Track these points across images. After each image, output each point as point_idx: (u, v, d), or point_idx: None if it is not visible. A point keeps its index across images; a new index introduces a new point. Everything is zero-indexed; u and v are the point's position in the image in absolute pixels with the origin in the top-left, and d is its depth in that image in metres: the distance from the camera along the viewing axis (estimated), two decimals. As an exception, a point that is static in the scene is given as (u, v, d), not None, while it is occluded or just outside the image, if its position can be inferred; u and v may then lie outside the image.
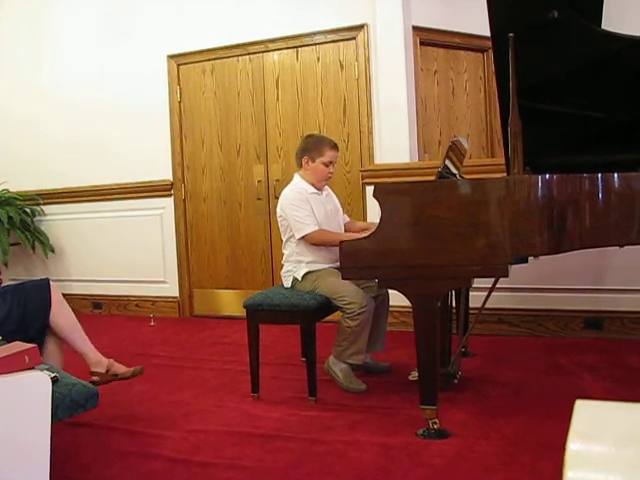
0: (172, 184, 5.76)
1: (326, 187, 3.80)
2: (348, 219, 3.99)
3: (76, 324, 3.28)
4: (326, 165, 3.66)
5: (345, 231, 3.79)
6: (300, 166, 3.72)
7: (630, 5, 4.25)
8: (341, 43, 5.08)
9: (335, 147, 3.71)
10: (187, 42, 5.59)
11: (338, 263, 3.00)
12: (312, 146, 3.68)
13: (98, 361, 3.39)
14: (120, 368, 3.50)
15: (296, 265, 3.61)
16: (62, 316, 3.20)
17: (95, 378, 3.16)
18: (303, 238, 3.54)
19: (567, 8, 2.70)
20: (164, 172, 5.77)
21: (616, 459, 0.81)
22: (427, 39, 5.17)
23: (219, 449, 2.81)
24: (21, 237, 6.00)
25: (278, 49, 5.31)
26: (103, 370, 3.38)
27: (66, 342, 3.24)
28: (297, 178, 3.72)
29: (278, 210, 3.66)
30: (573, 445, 0.83)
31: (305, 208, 3.56)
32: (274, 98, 5.36)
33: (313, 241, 3.54)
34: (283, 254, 3.72)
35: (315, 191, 3.67)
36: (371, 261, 2.84)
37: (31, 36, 6.24)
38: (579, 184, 2.66)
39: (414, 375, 3.29)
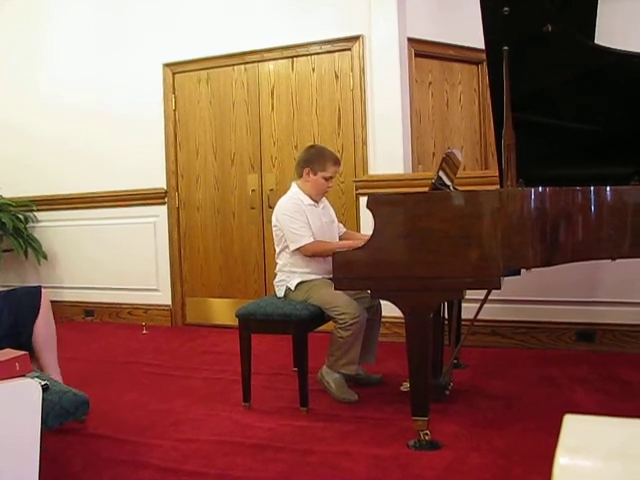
0: (166, 192, 5.76)
1: (323, 199, 3.81)
2: (344, 229, 3.99)
3: (54, 339, 3.22)
4: (326, 179, 3.66)
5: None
6: (300, 176, 3.71)
7: (620, 19, 4.29)
8: (336, 54, 5.09)
9: (338, 163, 3.72)
10: (183, 51, 5.60)
11: (331, 274, 2.99)
12: (315, 158, 3.67)
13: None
14: None
15: (289, 275, 3.60)
16: (44, 326, 3.15)
17: None
18: (298, 250, 3.54)
19: (561, 22, 2.72)
20: (158, 180, 5.77)
21: (604, 474, 0.81)
22: (422, 51, 5.19)
23: (210, 459, 2.79)
24: (14, 243, 5.97)
25: (273, 59, 5.32)
26: None
27: (36, 353, 3.13)
28: (295, 188, 3.71)
29: (273, 220, 3.66)
30: (561, 460, 0.83)
31: (300, 220, 3.55)
32: (269, 108, 5.37)
33: (308, 253, 3.54)
34: (276, 264, 3.71)
35: (312, 203, 3.67)
36: (364, 272, 2.84)
37: (27, 43, 6.25)
38: (572, 197, 2.67)
39: (406, 386, 3.30)
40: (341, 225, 3.98)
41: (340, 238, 3.84)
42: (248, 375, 3.47)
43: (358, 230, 4.90)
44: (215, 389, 3.81)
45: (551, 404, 3.30)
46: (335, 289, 3.01)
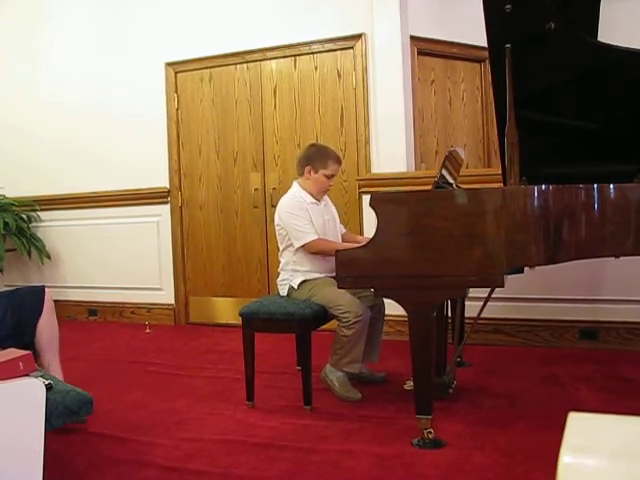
0: (169, 191, 5.76)
1: (325, 197, 3.80)
2: (344, 230, 3.99)
3: (56, 339, 3.21)
4: (328, 177, 3.66)
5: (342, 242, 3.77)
6: (301, 174, 3.71)
7: (622, 17, 4.28)
8: (339, 52, 5.09)
9: (339, 161, 3.72)
10: (185, 50, 5.60)
11: (334, 272, 2.99)
12: (316, 156, 3.67)
13: None
14: None
15: (292, 274, 3.60)
16: (48, 326, 3.15)
17: None
18: (302, 247, 3.54)
19: (563, 20, 2.71)
20: (161, 179, 5.77)
21: (609, 473, 0.81)
22: (425, 49, 5.18)
23: (213, 457, 2.80)
24: (17, 243, 5.98)
25: (276, 57, 5.32)
26: None
27: (39, 352, 3.11)
28: (296, 187, 3.71)
29: (276, 219, 3.65)
30: (565, 458, 0.83)
31: (304, 217, 3.55)
32: (271, 106, 5.37)
33: (313, 250, 3.53)
34: (279, 262, 3.71)
35: (314, 201, 3.67)
36: (367, 270, 2.83)
37: (27, 43, 6.25)
38: (575, 195, 2.67)
39: (409, 385, 3.29)
40: (342, 226, 3.97)
41: (341, 238, 3.84)
42: (251, 374, 3.46)
43: (361, 229, 4.91)
44: (218, 388, 3.81)
45: (555, 402, 3.30)
46: (338, 287, 3.00)
